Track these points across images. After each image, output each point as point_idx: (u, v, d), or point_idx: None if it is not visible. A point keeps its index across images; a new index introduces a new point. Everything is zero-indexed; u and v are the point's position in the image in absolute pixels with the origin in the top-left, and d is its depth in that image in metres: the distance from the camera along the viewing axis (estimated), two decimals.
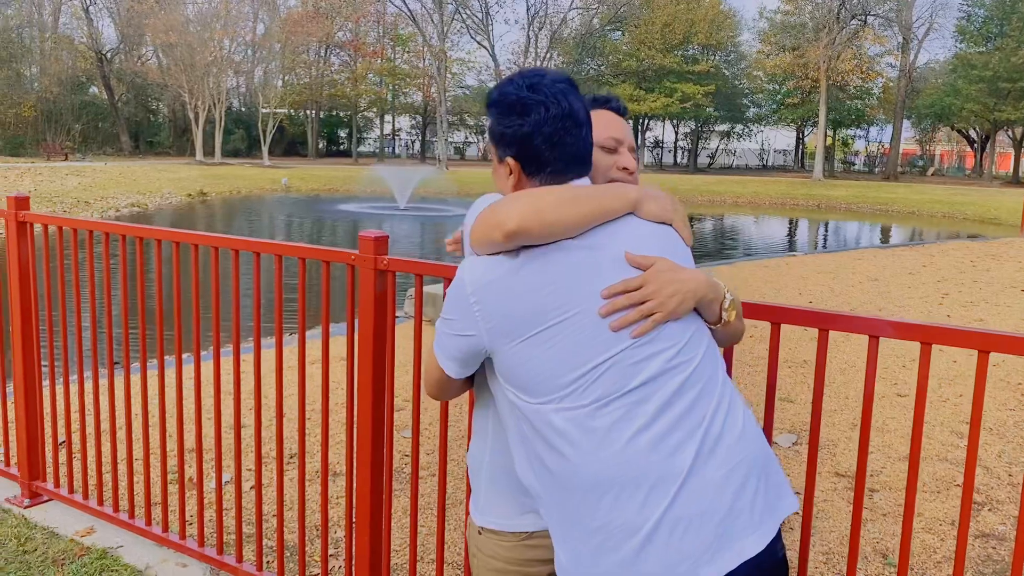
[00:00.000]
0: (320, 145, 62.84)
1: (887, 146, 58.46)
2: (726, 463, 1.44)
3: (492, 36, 54.21)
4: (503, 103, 1.54)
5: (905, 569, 1.85)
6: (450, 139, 56.05)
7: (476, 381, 1.70)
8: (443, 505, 2.50)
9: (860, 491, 1.89)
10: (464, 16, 52.71)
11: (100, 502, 3.44)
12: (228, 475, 3.99)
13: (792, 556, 2.98)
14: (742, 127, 64.06)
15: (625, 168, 1.68)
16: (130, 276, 3.13)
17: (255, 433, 2.85)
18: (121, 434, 4.37)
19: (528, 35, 55.53)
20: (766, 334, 6.75)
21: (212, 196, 30.16)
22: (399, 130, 70.92)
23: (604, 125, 1.68)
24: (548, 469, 1.48)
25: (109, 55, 56.46)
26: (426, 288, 7.27)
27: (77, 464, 3.68)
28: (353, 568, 2.66)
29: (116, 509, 3.37)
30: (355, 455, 2.60)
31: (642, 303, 1.44)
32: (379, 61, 59.93)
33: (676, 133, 65.57)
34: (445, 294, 1.60)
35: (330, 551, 3.25)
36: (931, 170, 57.93)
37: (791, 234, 25.20)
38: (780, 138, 69.91)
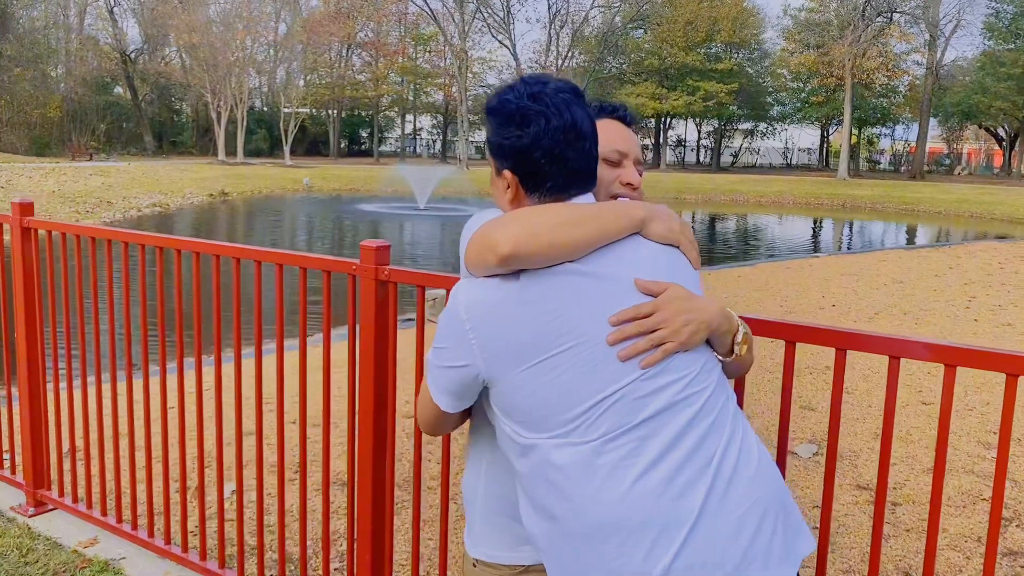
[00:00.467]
0: (342, 145, 63.10)
1: (913, 145, 57.64)
2: (740, 504, 1.34)
3: (513, 35, 54.06)
4: (502, 112, 1.45)
5: None
6: (471, 139, 55.97)
7: (472, 407, 1.61)
8: (446, 520, 2.42)
9: (881, 507, 1.80)
10: (485, 15, 52.57)
11: (104, 512, 3.39)
12: (231, 486, 3.94)
13: (810, 574, 2.87)
14: (766, 125, 63.44)
15: (629, 183, 1.59)
16: (132, 284, 3.08)
17: (256, 444, 2.79)
18: (123, 442, 4.34)
19: (549, 34, 55.31)
20: None
21: (234, 196, 30.31)
22: (420, 130, 71.08)
23: (608, 136, 1.58)
24: (548, 514, 1.38)
25: (133, 56, 57.01)
26: (429, 291, 7.15)
27: (81, 472, 3.64)
28: None
29: (119, 520, 3.32)
30: (356, 469, 2.53)
31: (653, 331, 1.35)
32: (400, 60, 60.12)
33: (699, 132, 65.03)
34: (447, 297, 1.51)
35: (333, 565, 3.18)
36: (960, 170, 57.01)
37: (815, 234, 24.90)
38: (804, 136, 69.21)
